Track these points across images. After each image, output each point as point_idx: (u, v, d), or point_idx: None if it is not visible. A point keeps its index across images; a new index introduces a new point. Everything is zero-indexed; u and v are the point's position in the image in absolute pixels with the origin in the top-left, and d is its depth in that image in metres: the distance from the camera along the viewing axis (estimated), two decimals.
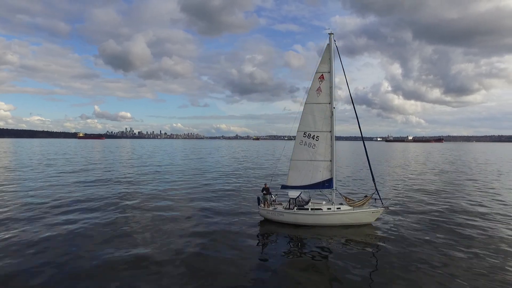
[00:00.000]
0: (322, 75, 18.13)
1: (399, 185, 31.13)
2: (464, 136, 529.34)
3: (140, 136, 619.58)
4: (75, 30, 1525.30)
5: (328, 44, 18.09)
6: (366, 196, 18.18)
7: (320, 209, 17.52)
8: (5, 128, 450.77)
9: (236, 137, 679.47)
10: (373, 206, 17.87)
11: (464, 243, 14.66)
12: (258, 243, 15.32)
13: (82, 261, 12.52)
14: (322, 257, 13.42)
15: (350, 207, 17.53)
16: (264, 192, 18.57)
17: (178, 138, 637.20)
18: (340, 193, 18.69)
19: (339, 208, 17.55)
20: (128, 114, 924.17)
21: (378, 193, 17.80)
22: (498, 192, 27.74)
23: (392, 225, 17.47)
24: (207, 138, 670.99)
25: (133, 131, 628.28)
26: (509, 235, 15.84)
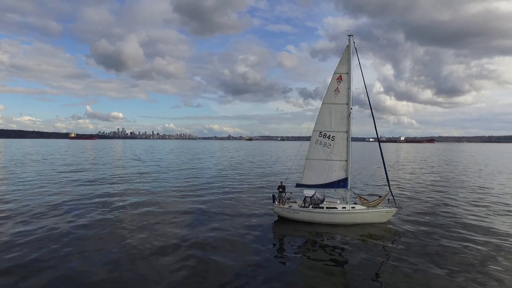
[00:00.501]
0: (341, 76, 18.39)
1: (408, 186, 31.53)
2: (455, 136, 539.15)
3: (133, 136, 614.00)
4: (67, 29, 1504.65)
5: (347, 45, 18.35)
6: (380, 196, 18.45)
7: (336, 208, 17.72)
8: None
9: (229, 138, 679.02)
10: (387, 206, 18.14)
11: (473, 243, 14.98)
12: (273, 241, 15.46)
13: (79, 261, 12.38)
14: (337, 256, 13.44)
15: (364, 207, 17.78)
16: (280, 190, 18.70)
17: (171, 138, 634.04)
18: (354, 193, 18.93)
19: (354, 207, 17.77)
20: (120, 115, 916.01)
21: (392, 194, 18.09)
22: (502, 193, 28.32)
23: (405, 225, 17.71)
24: (199, 138, 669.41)
25: (125, 131, 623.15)
26: None
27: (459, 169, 50.93)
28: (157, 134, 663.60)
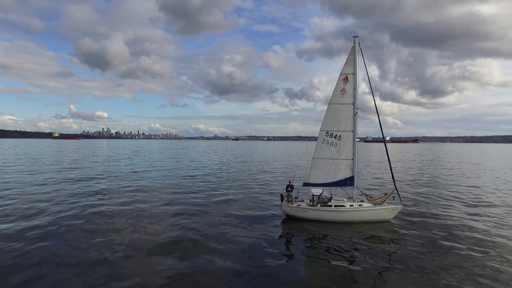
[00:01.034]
0: (347, 76, 18.75)
1: (410, 184, 32.34)
2: (439, 137, 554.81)
3: (118, 136, 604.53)
4: (50, 27, 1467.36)
5: (352, 46, 18.72)
6: (386, 194, 18.95)
7: (343, 205, 18.12)
8: None
9: (215, 138, 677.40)
10: (392, 203, 18.65)
11: (473, 239, 15.63)
12: (281, 239, 15.66)
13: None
14: (343, 255, 13.48)
15: (371, 204, 18.23)
16: (289, 189, 18.95)
17: (156, 138, 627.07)
18: (361, 191, 19.38)
19: (361, 205, 18.20)
20: (105, 114, 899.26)
21: (397, 191, 18.61)
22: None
23: (409, 222, 18.26)
24: (185, 138, 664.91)
25: (110, 131, 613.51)
26: None
27: (460, 169, 52.46)
28: (143, 134, 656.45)
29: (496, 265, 12.27)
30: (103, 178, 34.27)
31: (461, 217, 19.26)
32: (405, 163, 62.17)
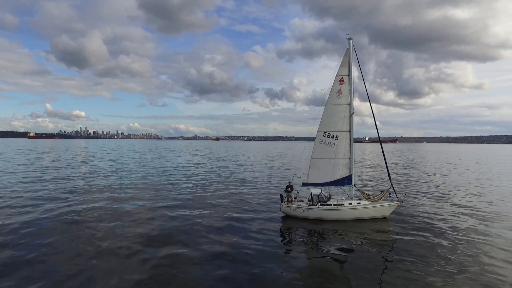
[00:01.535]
0: (342, 78, 19.17)
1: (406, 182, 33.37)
2: (416, 137, 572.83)
3: (96, 136, 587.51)
4: (25, 23, 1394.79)
5: (347, 48, 19.15)
6: (382, 191, 19.56)
7: (342, 204, 18.56)
8: None
9: (195, 138, 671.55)
10: (389, 200, 19.27)
11: (463, 232, 16.46)
12: (281, 239, 15.81)
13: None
14: (342, 253, 13.66)
15: (368, 202, 18.76)
16: (289, 189, 19.20)
17: (136, 138, 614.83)
18: (358, 189, 19.91)
19: (359, 203, 18.72)
20: (83, 113, 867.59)
21: (393, 188, 19.25)
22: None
23: (405, 218, 18.94)
24: (165, 138, 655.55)
25: (88, 130, 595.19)
26: None
27: (444, 168, 54.40)
28: (122, 133, 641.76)
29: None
30: (80, 178, 33.72)
31: (451, 213, 20.19)
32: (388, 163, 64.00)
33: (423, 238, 15.34)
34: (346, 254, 13.58)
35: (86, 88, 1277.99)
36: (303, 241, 15.68)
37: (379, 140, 21.23)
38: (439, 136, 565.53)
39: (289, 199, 19.09)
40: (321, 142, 19.64)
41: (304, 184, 19.88)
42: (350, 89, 19.26)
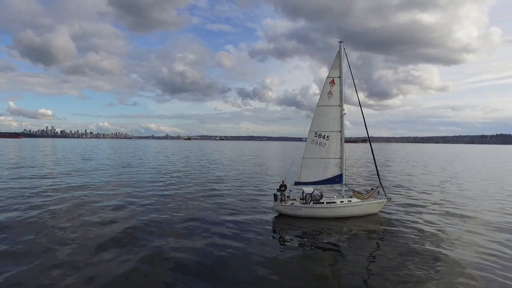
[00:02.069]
0: (333, 79, 19.75)
1: (391, 180, 34.64)
2: (385, 137, 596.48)
3: (63, 135, 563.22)
4: None
5: (338, 51, 19.76)
6: (372, 189, 20.37)
7: (334, 202, 19.14)
8: None
9: (167, 137, 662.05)
10: (378, 197, 20.08)
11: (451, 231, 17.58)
12: (273, 238, 16.07)
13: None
14: (338, 248, 14.23)
15: (359, 200, 19.47)
16: (282, 188, 19.52)
17: (105, 137, 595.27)
18: (348, 187, 20.59)
19: (350, 200, 19.38)
20: (49, 112, 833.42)
21: (382, 186, 20.09)
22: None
23: (393, 214, 19.86)
24: (136, 138, 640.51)
25: (55, 129, 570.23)
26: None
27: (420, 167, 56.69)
28: (91, 133, 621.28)
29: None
30: (47, 178, 32.65)
31: (434, 208, 21.40)
32: (364, 162, 66.21)
33: (411, 234, 16.06)
34: (339, 251, 13.94)
35: (52, 86, 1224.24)
36: (295, 239, 15.80)
37: (368, 139, 22.28)
38: (407, 136, 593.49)
39: (283, 198, 19.41)
40: (312, 142, 20.13)
41: (296, 183, 20.29)
42: (341, 91, 19.87)
